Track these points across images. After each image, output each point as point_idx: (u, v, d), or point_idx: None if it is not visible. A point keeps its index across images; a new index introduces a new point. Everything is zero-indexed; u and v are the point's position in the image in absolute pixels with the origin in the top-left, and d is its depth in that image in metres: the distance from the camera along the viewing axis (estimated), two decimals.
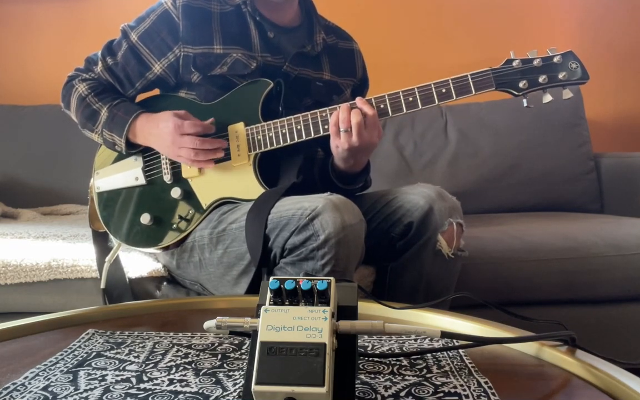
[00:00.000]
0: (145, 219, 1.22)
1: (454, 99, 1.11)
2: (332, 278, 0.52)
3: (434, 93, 1.11)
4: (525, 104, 1.11)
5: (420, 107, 1.12)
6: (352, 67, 1.38)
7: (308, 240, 1.01)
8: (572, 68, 1.09)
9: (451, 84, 1.11)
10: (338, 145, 1.13)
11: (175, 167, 1.22)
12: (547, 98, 1.10)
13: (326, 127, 1.15)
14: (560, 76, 1.09)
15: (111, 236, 1.26)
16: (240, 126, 1.19)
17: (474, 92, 1.11)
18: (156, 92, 1.32)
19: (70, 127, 2.07)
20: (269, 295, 0.52)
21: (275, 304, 0.51)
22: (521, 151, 2.04)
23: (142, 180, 1.24)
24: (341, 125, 1.11)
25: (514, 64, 1.10)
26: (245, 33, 1.24)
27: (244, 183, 1.18)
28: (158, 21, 1.23)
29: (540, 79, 1.09)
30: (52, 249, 1.36)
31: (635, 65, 2.35)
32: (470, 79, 1.11)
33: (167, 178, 1.22)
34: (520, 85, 1.10)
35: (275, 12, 1.28)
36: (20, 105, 2.21)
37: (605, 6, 2.34)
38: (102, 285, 1.24)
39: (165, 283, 1.30)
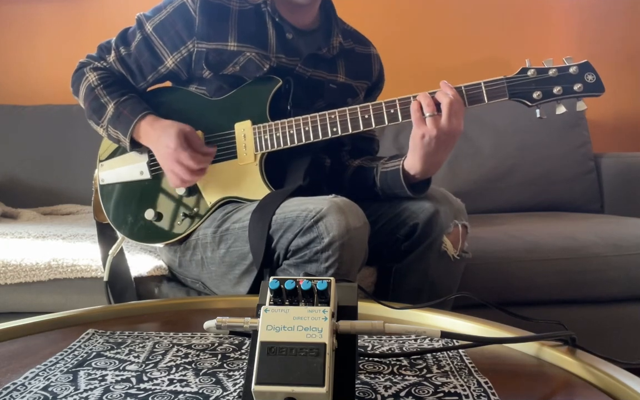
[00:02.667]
0: (149, 214, 1.21)
1: (467, 107, 1.07)
2: (332, 278, 0.52)
3: None
4: (538, 115, 1.07)
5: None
6: (368, 71, 1.35)
7: (312, 242, 1.00)
8: (588, 80, 1.04)
9: (464, 92, 1.08)
10: (425, 134, 1.05)
11: None
12: (561, 109, 1.06)
13: (334, 129, 1.12)
14: (576, 88, 1.04)
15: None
16: (247, 124, 1.18)
17: (486, 101, 1.07)
18: (167, 83, 1.30)
19: (70, 127, 2.09)
20: (269, 295, 0.52)
21: (275, 304, 0.51)
22: (521, 151, 2.04)
23: (147, 175, 1.23)
24: (426, 110, 1.04)
25: (529, 73, 1.06)
26: (262, 32, 1.22)
27: (249, 183, 1.17)
28: (174, 13, 1.20)
29: (555, 90, 1.05)
30: (52, 248, 1.35)
31: (634, 66, 2.35)
32: (483, 88, 1.07)
33: None
34: (534, 95, 1.06)
35: (296, 13, 1.25)
36: (20, 105, 2.21)
37: (605, 7, 2.34)
38: (105, 278, 1.23)
39: (164, 281, 1.30)
